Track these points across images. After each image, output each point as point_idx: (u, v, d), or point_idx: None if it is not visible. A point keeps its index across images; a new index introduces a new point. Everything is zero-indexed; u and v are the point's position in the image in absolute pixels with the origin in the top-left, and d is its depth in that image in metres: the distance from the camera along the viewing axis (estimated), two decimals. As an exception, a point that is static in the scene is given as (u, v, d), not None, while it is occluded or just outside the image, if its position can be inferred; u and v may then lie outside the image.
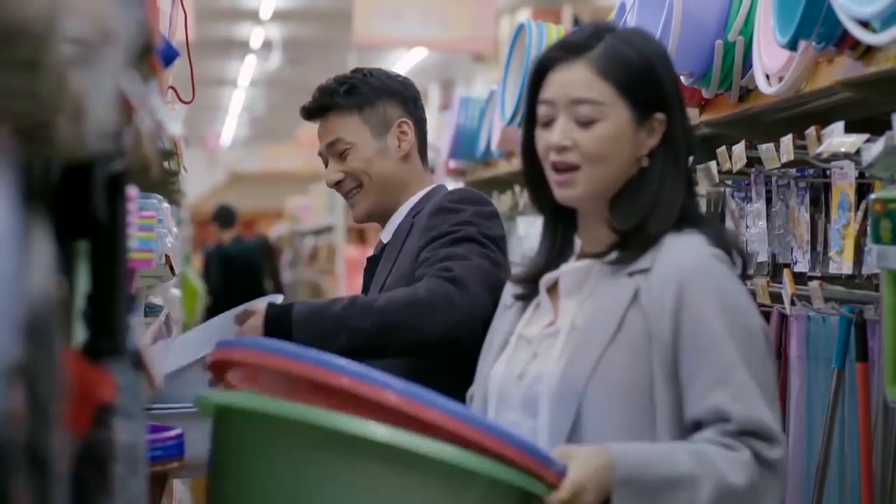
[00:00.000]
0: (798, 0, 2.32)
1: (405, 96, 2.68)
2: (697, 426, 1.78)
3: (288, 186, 19.30)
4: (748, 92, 2.86)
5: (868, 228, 2.30)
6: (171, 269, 3.07)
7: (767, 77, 2.66)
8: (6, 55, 0.89)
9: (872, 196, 2.13)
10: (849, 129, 2.33)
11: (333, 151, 2.65)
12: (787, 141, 2.62)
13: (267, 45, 14.27)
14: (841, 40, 2.31)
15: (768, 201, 2.97)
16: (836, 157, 2.38)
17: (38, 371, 0.99)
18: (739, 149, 2.85)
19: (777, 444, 1.76)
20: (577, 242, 1.98)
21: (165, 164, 2.78)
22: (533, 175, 1.96)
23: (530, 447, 1.64)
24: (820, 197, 2.80)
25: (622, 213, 1.88)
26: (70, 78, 0.94)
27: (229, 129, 23.19)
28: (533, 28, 4.00)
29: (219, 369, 1.76)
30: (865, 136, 2.25)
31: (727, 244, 1.89)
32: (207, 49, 13.47)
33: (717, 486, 1.72)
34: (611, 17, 3.42)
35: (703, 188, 3.03)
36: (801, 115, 2.85)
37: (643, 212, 1.87)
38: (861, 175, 2.55)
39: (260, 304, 2.47)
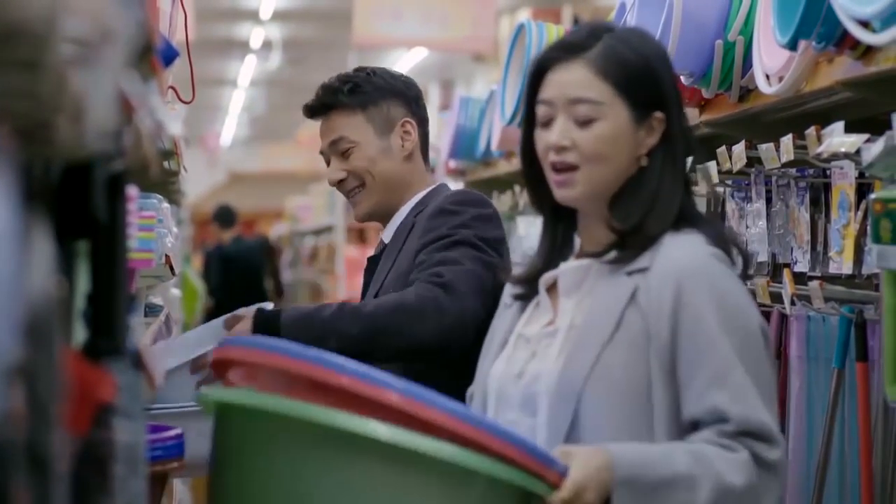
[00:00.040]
0: (798, 0, 2.32)
1: (408, 96, 2.68)
2: (695, 426, 1.78)
3: (288, 186, 19.31)
4: (748, 92, 2.86)
5: (868, 228, 2.30)
6: (171, 269, 3.07)
7: (767, 77, 2.66)
8: (6, 55, 0.89)
9: (872, 196, 2.13)
10: (849, 129, 2.33)
11: (336, 150, 2.64)
12: (787, 141, 2.62)
13: (267, 45, 14.27)
14: (841, 40, 2.31)
15: (768, 201, 2.97)
16: (836, 157, 2.38)
17: (38, 371, 0.99)
18: (739, 149, 2.85)
19: (776, 444, 1.76)
20: (577, 241, 1.98)
21: (165, 164, 2.78)
22: (532, 175, 1.96)
23: (531, 447, 1.64)
24: (820, 197, 2.80)
25: (621, 212, 1.88)
26: (70, 78, 0.94)
27: (229, 129, 23.19)
28: (533, 28, 4.00)
29: (219, 368, 1.76)
30: (865, 136, 2.25)
31: (727, 243, 1.89)
32: (207, 49, 13.47)
33: (715, 486, 1.72)
34: (611, 17, 3.42)
35: (702, 188, 3.03)
36: (801, 115, 2.85)
37: (642, 211, 1.87)
38: (861, 175, 2.55)
39: (249, 310, 2.48)
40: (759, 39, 2.71)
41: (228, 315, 2.51)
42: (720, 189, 3.16)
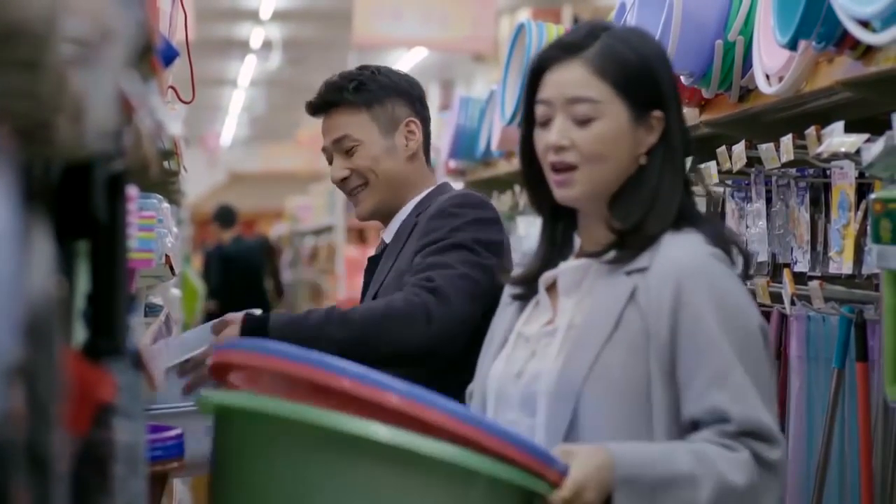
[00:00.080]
0: (798, 0, 2.32)
1: (413, 95, 2.67)
2: (695, 426, 1.78)
3: (288, 186, 19.31)
4: (748, 92, 2.86)
5: (868, 228, 2.30)
6: (171, 269, 3.07)
7: (767, 77, 2.66)
8: (6, 55, 0.89)
9: (872, 196, 2.13)
10: (849, 129, 2.33)
11: (340, 148, 2.63)
12: (787, 141, 2.62)
13: (267, 45, 14.27)
14: (841, 40, 2.31)
15: (768, 201, 2.97)
16: (836, 156, 2.38)
17: (38, 371, 0.99)
18: (739, 149, 2.85)
19: (776, 444, 1.76)
20: (577, 241, 1.98)
21: (165, 164, 2.78)
22: (532, 176, 1.96)
23: (531, 446, 1.64)
24: (820, 197, 2.80)
25: (621, 211, 1.88)
26: (70, 78, 0.94)
27: (229, 129, 23.19)
28: (533, 28, 4.00)
29: (219, 371, 1.76)
30: (865, 136, 2.25)
31: (726, 243, 1.89)
32: (207, 49, 13.47)
33: (717, 485, 1.72)
34: (611, 17, 3.42)
35: (702, 188, 3.03)
36: (801, 115, 2.85)
37: (642, 210, 1.87)
38: (861, 175, 2.55)
39: (237, 315, 2.48)
40: (759, 39, 2.71)
41: (216, 320, 2.52)
42: (720, 189, 3.16)
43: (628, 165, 1.89)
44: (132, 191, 1.85)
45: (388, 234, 2.65)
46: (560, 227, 1.98)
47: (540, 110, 1.91)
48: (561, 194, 1.90)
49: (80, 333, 1.41)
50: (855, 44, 2.27)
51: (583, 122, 1.87)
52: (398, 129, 2.63)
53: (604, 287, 1.87)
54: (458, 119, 5.40)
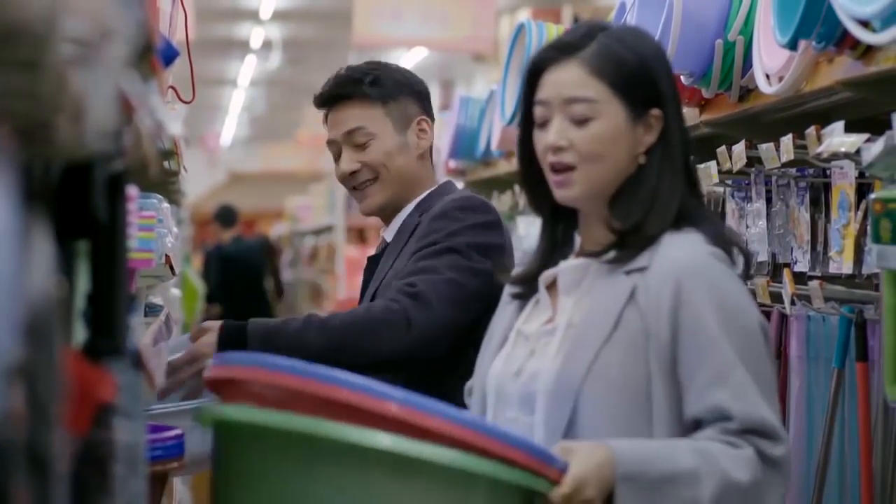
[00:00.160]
0: (798, 0, 2.32)
1: (423, 94, 2.67)
2: (698, 425, 1.78)
3: (288, 186, 19.31)
4: (748, 92, 2.86)
5: (868, 228, 2.30)
6: (171, 269, 3.06)
7: (767, 77, 2.66)
8: (6, 55, 0.89)
9: (872, 196, 2.13)
10: (849, 128, 2.33)
11: (352, 141, 2.61)
12: (787, 141, 2.62)
13: (267, 45, 14.28)
14: (841, 40, 2.31)
15: (768, 201, 2.97)
16: (836, 156, 2.38)
17: (38, 371, 0.99)
18: (739, 149, 2.85)
19: (779, 441, 1.76)
20: (577, 240, 1.98)
21: (165, 164, 2.78)
22: (530, 176, 1.96)
23: (531, 446, 1.65)
24: (820, 197, 2.80)
25: (621, 211, 1.88)
26: (70, 78, 0.94)
27: (229, 129, 23.19)
28: (533, 28, 4.00)
29: (216, 385, 1.76)
30: (865, 135, 2.25)
31: (727, 243, 1.89)
32: (207, 49, 13.47)
33: (720, 482, 1.72)
34: (611, 17, 3.42)
35: (702, 188, 3.03)
36: (801, 114, 2.85)
37: (642, 210, 1.87)
38: (861, 175, 2.55)
39: (214, 323, 2.49)
40: (759, 39, 2.71)
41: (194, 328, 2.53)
42: (720, 189, 3.16)
43: (627, 165, 1.89)
44: (132, 191, 1.85)
45: (389, 233, 2.65)
46: (560, 226, 1.98)
47: (538, 111, 1.91)
48: (560, 194, 1.90)
49: (80, 333, 1.41)
50: (855, 44, 2.27)
51: (580, 122, 1.88)
52: (410, 126, 2.62)
53: (603, 286, 1.87)
54: (458, 119, 5.40)
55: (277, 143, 22.18)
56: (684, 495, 1.71)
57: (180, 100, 3.03)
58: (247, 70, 16.66)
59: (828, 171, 2.68)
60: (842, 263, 2.57)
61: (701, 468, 1.71)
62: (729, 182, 3.08)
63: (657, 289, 1.81)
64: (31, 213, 0.99)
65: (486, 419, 1.90)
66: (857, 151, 2.24)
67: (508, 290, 2.03)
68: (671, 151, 1.90)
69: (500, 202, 5.10)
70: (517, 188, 4.87)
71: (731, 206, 3.11)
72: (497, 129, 4.77)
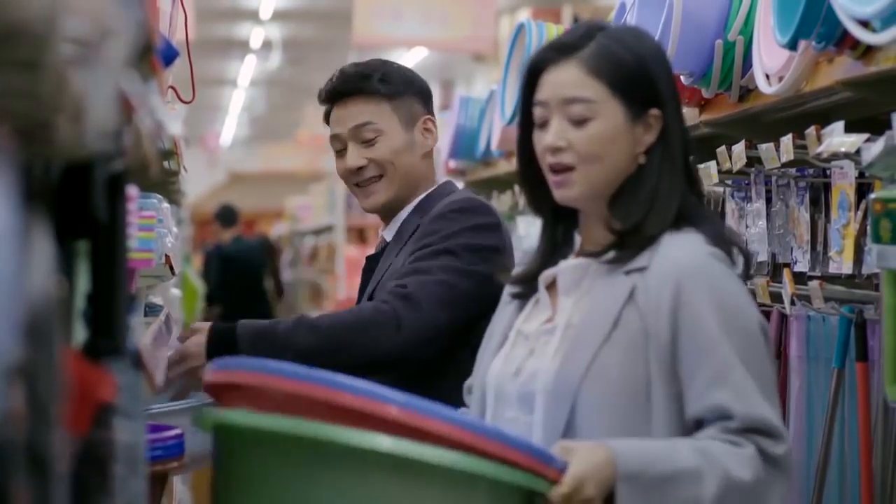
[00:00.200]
0: (798, 0, 2.32)
1: (426, 94, 2.67)
2: (699, 425, 1.78)
3: (288, 186, 19.31)
4: (748, 92, 2.86)
5: (868, 228, 2.30)
6: (171, 269, 3.06)
7: (767, 77, 2.66)
8: (6, 55, 0.89)
9: (872, 196, 2.13)
10: (849, 128, 2.33)
11: (359, 136, 2.59)
12: (787, 141, 2.62)
13: (267, 45, 14.28)
14: (841, 40, 2.31)
15: (768, 201, 2.97)
16: (836, 156, 2.38)
17: (38, 371, 0.99)
18: (739, 149, 2.85)
19: (781, 439, 1.76)
20: (577, 240, 1.98)
21: (165, 164, 2.78)
22: (530, 177, 1.96)
23: (530, 447, 1.65)
24: (820, 197, 2.80)
25: (622, 211, 1.88)
26: (70, 78, 0.94)
27: (229, 129, 23.19)
28: (533, 28, 4.00)
29: (215, 389, 1.76)
30: (865, 135, 2.25)
31: (726, 243, 1.89)
32: (207, 49, 13.47)
33: (722, 481, 1.71)
34: (611, 17, 3.42)
35: (702, 188, 3.03)
36: (801, 114, 2.85)
37: (642, 210, 1.87)
38: (861, 175, 2.55)
39: (204, 324, 2.50)
40: (759, 39, 2.71)
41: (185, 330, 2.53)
42: (720, 189, 3.16)
43: (627, 165, 1.89)
44: (132, 191, 1.85)
45: (388, 233, 2.64)
46: (560, 227, 1.98)
47: (537, 112, 1.91)
48: (560, 195, 1.90)
49: (80, 333, 1.41)
50: (855, 44, 2.27)
51: (579, 122, 1.88)
52: (416, 125, 2.61)
53: (603, 286, 1.87)
54: (458, 119, 5.40)
55: (277, 143, 22.18)
56: (686, 494, 1.71)
57: (180, 100, 3.03)
58: (247, 70, 16.67)
59: (828, 171, 2.68)
60: (842, 263, 2.57)
61: (702, 467, 1.71)
62: (729, 182, 3.08)
63: (657, 289, 1.81)
64: (31, 213, 0.99)
65: (485, 421, 1.90)
66: (857, 151, 2.24)
67: (508, 289, 2.03)
68: (671, 151, 1.90)
69: (500, 202, 5.10)
70: (517, 188, 4.87)
71: (731, 206, 3.11)
72: (497, 129, 4.77)
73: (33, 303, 0.96)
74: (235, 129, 23.39)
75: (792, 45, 2.42)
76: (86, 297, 1.41)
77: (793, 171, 2.83)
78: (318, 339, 2.38)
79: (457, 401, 2.04)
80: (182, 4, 3.09)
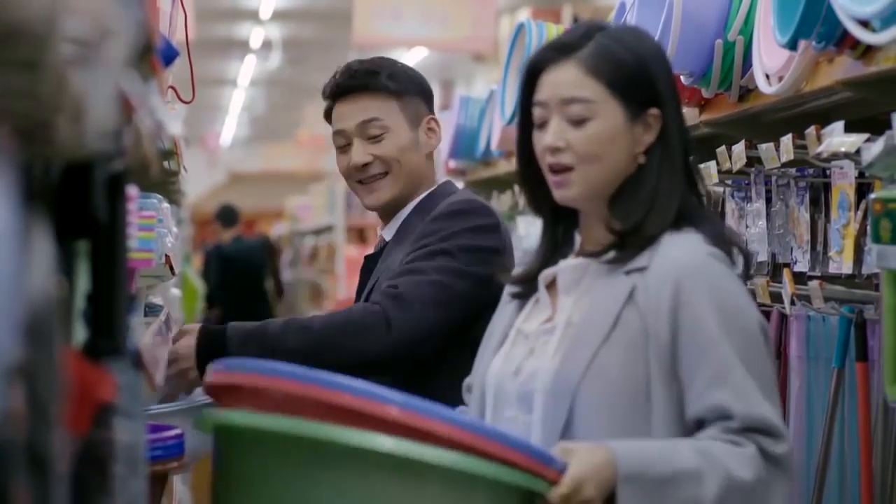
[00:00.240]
0: (798, 0, 2.32)
1: (429, 94, 2.66)
2: (700, 425, 1.78)
3: (288, 186, 19.32)
4: (748, 92, 2.86)
5: (868, 228, 2.30)
6: (171, 269, 3.06)
7: (767, 77, 2.66)
8: (6, 55, 0.89)
9: (872, 196, 2.13)
10: (849, 128, 2.33)
11: (365, 132, 2.57)
12: (787, 141, 2.62)
13: (267, 45, 14.28)
14: (841, 40, 2.31)
15: (768, 201, 2.97)
16: (836, 156, 2.38)
17: (38, 371, 0.99)
18: (739, 148, 2.86)
19: (781, 439, 1.76)
20: (578, 239, 1.98)
21: (165, 164, 2.78)
22: (530, 177, 1.96)
23: (530, 448, 1.65)
24: (820, 197, 2.80)
25: (622, 211, 1.88)
26: (70, 78, 0.94)
27: (229, 129, 23.19)
28: (533, 28, 4.00)
29: (215, 390, 1.76)
30: (865, 135, 2.25)
31: (726, 243, 1.89)
32: (207, 49, 13.47)
33: (723, 481, 1.71)
34: (611, 17, 3.42)
35: (702, 188, 3.03)
36: (801, 114, 2.86)
37: (642, 210, 1.87)
38: (861, 175, 2.55)
39: (194, 326, 2.49)
40: (759, 39, 2.71)
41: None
42: (720, 189, 3.16)
43: (626, 165, 1.89)
44: (132, 191, 1.85)
45: (388, 232, 2.63)
46: (561, 227, 1.98)
47: (537, 112, 1.91)
48: (559, 195, 1.90)
49: (80, 333, 1.41)
50: (855, 44, 2.28)
51: (578, 122, 1.88)
52: (420, 124, 2.60)
53: (602, 286, 1.87)
54: (458, 119, 5.40)
55: (277, 143, 22.18)
56: (686, 495, 1.71)
57: (180, 100, 3.03)
58: (247, 70, 16.67)
59: (828, 171, 2.68)
60: (842, 263, 2.57)
61: (703, 467, 1.71)
62: (729, 182, 3.08)
63: (657, 289, 1.81)
64: (31, 213, 0.99)
65: (485, 421, 1.90)
66: (857, 151, 2.24)
67: (509, 289, 2.03)
68: (670, 151, 1.90)
69: (500, 202, 5.10)
70: (517, 188, 4.87)
71: (731, 206, 3.11)
72: (497, 129, 4.77)
73: (33, 303, 0.96)
74: (235, 129, 23.39)
75: (792, 45, 2.42)
76: (86, 297, 1.41)
77: (793, 171, 2.83)
78: (308, 341, 2.38)
79: (451, 401, 2.04)
80: (182, 4, 3.09)
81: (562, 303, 1.91)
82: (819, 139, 2.45)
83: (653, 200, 1.88)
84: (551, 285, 1.95)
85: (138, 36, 1.34)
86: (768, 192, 2.97)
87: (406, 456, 1.55)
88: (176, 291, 5.65)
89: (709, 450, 1.73)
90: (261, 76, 17.16)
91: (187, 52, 2.98)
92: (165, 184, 3.33)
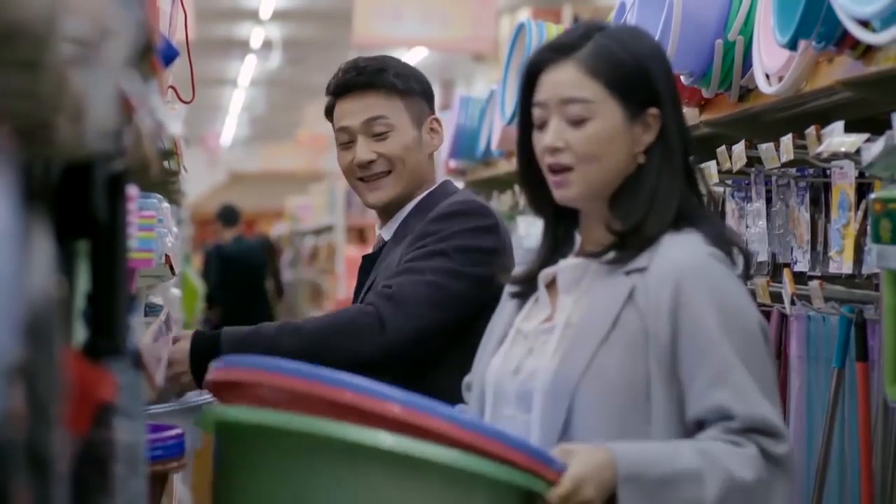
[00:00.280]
0: (798, 0, 2.32)
1: (430, 95, 2.66)
2: (700, 425, 1.78)
3: (288, 186, 19.32)
4: (748, 91, 2.86)
5: (868, 228, 2.30)
6: (171, 268, 3.06)
7: (767, 77, 2.66)
8: (6, 55, 0.89)
9: (872, 196, 2.13)
10: (849, 128, 2.33)
11: (370, 130, 2.57)
12: (787, 141, 2.62)
13: (267, 45, 14.28)
14: (841, 40, 2.31)
15: (768, 201, 2.97)
16: (836, 156, 2.38)
17: (38, 371, 0.99)
18: (739, 148, 2.86)
19: (782, 439, 1.76)
20: (578, 239, 1.98)
21: (165, 164, 2.78)
22: (530, 177, 1.96)
23: (529, 447, 1.65)
24: (820, 197, 2.80)
25: (622, 211, 1.88)
26: (70, 78, 0.94)
27: (229, 129, 23.20)
28: (533, 28, 4.00)
29: (216, 387, 1.76)
30: (865, 135, 2.25)
31: (726, 243, 1.89)
32: (207, 49, 13.48)
33: (724, 481, 1.71)
34: (611, 17, 3.42)
35: (702, 188, 3.03)
36: (801, 114, 2.86)
37: (642, 210, 1.87)
38: (861, 175, 2.55)
39: (187, 332, 2.50)
40: (759, 39, 2.71)
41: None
42: (720, 189, 3.16)
43: (626, 165, 1.89)
44: (132, 191, 1.85)
45: (387, 231, 2.63)
46: (561, 227, 1.98)
47: (536, 112, 1.91)
48: (559, 195, 1.90)
49: (80, 333, 1.41)
50: (855, 44, 2.28)
51: (577, 122, 1.88)
52: (423, 124, 2.60)
53: (602, 286, 1.87)
54: (458, 119, 5.40)
55: (277, 143, 22.19)
56: (687, 495, 1.71)
57: (180, 100, 3.03)
58: (247, 70, 16.67)
59: (828, 171, 2.68)
60: (842, 263, 2.57)
61: (704, 468, 1.71)
62: (729, 182, 3.08)
63: (656, 289, 1.81)
64: (31, 213, 0.99)
65: (485, 420, 1.90)
66: (857, 151, 2.24)
67: (509, 288, 2.03)
68: (670, 151, 1.90)
69: (500, 202, 5.10)
70: (517, 188, 4.87)
71: (731, 206, 3.11)
72: (497, 129, 4.77)
73: (33, 303, 0.96)
74: (235, 129, 23.40)
75: (792, 45, 2.42)
76: (86, 297, 1.41)
77: (793, 171, 2.83)
78: (302, 343, 2.38)
79: (451, 399, 2.04)
80: (182, 4, 3.09)
81: (561, 302, 1.91)
82: (819, 139, 2.45)
83: (652, 200, 1.88)
84: (551, 285, 1.95)
85: (138, 36, 1.34)
86: (768, 192, 2.97)
87: (406, 453, 1.55)
88: (176, 291, 5.65)
89: (709, 450, 1.73)
90: (261, 76, 17.17)
91: (187, 52, 2.98)
92: (165, 184, 3.33)
